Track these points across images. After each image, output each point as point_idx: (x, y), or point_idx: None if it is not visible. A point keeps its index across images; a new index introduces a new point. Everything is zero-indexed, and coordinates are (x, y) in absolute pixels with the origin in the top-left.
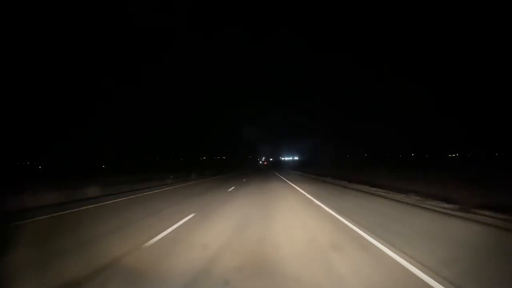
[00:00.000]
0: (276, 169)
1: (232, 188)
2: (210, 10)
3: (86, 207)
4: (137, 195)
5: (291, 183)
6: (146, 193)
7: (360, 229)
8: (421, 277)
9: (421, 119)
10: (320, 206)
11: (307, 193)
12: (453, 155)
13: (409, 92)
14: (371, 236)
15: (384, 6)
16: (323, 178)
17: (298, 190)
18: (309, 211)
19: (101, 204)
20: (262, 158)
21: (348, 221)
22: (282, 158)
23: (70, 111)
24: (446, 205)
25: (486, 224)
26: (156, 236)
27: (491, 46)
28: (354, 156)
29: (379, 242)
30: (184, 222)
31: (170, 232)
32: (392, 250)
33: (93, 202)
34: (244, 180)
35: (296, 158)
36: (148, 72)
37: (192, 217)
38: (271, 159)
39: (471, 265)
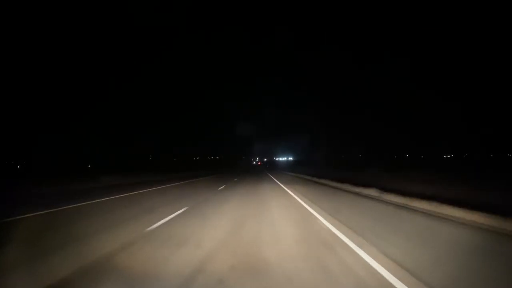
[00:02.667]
0: (269, 170)
1: (222, 187)
2: (210, 10)
3: None
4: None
5: (282, 185)
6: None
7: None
8: None
9: (419, 119)
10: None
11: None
12: (448, 156)
13: (407, 92)
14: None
15: (384, 4)
16: (329, 183)
17: (292, 194)
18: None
19: None
20: (256, 159)
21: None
22: (276, 158)
23: (66, 111)
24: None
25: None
26: None
27: (491, 48)
28: (350, 156)
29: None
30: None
31: None
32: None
33: None
34: (235, 179)
35: (290, 158)
36: (147, 72)
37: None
38: (265, 159)
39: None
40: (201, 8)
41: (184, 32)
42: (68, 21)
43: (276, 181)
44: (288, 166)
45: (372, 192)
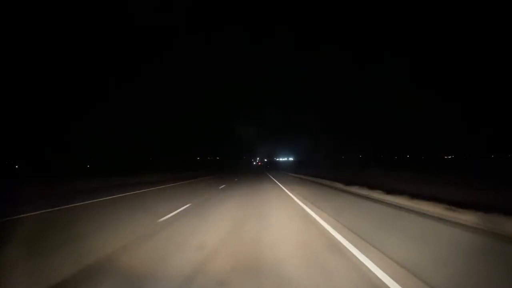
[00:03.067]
0: (269, 170)
1: (223, 186)
2: (210, 10)
3: None
4: None
5: (286, 189)
6: None
7: None
8: None
9: (419, 119)
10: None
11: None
12: (449, 157)
13: (407, 92)
14: None
15: (384, 4)
16: (333, 184)
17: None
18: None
19: None
20: (256, 159)
21: None
22: (277, 159)
23: (66, 111)
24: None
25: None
26: None
27: (491, 47)
28: (350, 157)
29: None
30: None
31: None
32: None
33: None
34: (222, 187)
35: (291, 158)
36: (147, 72)
37: None
38: (265, 160)
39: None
40: (201, 8)
41: (184, 32)
42: (68, 22)
43: (278, 182)
44: (289, 167)
45: (376, 194)
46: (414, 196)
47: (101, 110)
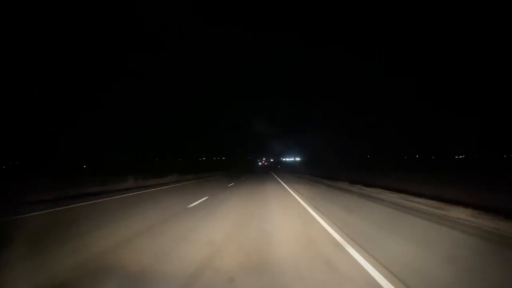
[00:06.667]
0: (276, 171)
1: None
2: (210, 10)
3: None
4: None
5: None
6: None
7: None
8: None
9: (430, 119)
10: None
11: None
12: (460, 157)
13: (418, 92)
14: None
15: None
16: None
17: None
18: None
19: None
20: (262, 159)
21: None
22: (283, 159)
23: (63, 109)
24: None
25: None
26: None
27: (497, 43)
28: (358, 157)
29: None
30: None
31: None
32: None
33: None
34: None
35: (297, 159)
36: (148, 73)
37: None
38: (271, 160)
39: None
40: (202, 8)
41: (184, 32)
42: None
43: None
44: (298, 168)
45: None
46: None
47: (99, 111)
